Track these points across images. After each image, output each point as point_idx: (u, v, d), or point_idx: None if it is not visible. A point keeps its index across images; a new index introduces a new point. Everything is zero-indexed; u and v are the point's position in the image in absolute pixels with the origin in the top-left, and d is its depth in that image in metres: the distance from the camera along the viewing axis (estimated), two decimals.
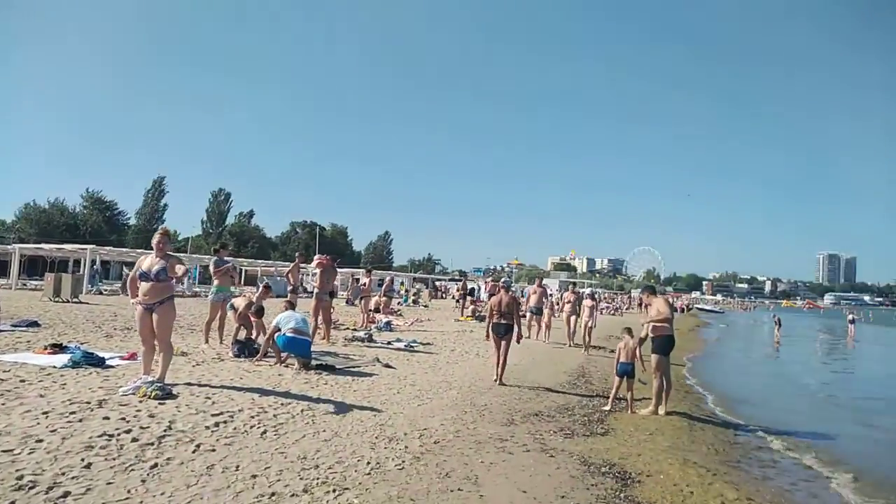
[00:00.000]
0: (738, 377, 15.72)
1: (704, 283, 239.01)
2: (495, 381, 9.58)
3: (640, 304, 50.42)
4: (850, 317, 40.45)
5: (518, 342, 10.00)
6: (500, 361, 9.73)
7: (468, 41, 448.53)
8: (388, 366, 10.05)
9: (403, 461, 5.16)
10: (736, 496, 5.09)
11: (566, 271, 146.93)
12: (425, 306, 28.59)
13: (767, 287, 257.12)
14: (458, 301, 24.84)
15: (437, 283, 45.70)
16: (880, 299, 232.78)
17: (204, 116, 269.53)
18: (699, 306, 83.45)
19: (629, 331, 8.90)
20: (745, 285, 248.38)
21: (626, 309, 47.20)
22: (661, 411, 8.43)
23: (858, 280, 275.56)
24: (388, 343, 12.87)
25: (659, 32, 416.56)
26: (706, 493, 5.12)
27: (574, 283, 18.26)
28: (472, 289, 26.78)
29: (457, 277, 29.69)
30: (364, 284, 17.45)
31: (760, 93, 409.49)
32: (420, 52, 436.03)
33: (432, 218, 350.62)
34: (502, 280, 12.29)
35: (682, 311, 61.92)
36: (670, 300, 8.94)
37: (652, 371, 8.40)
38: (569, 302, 15.89)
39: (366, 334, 13.18)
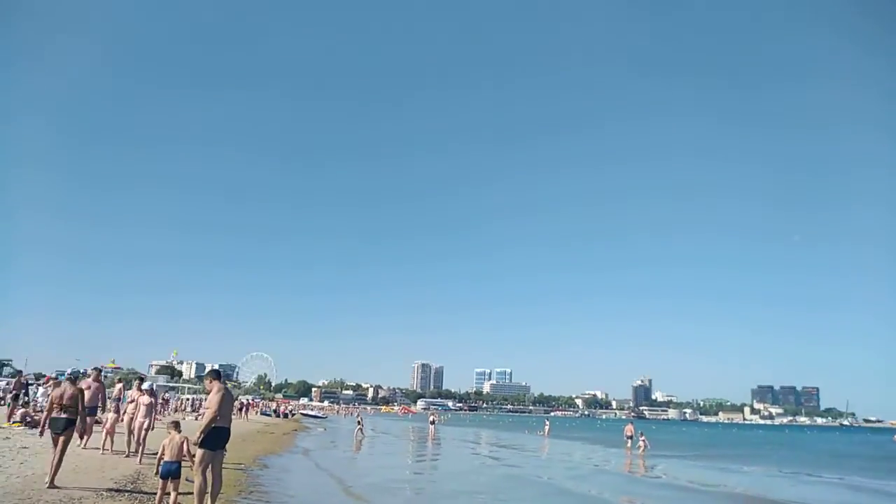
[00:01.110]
0: (303, 475, 15.62)
1: (314, 389, 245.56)
2: (46, 484, 8.41)
3: (241, 409, 48.89)
4: (431, 418, 47.15)
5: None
6: (55, 461, 8.61)
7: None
8: None
9: None
10: None
11: (168, 374, 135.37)
12: None
13: (371, 393, 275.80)
14: (9, 404, 20.29)
15: None
16: (460, 404, 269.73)
17: None
18: (303, 412, 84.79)
19: (176, 425, 8.09)
20: (351, 392, 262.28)
21: None
22: None
23: (445, 387, 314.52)
24: None
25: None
26: None
27: (142, 380, 15.72)
28: (27, 385, 22.25)
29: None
30: None
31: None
32: None
33: None
34: (69, 371, 10.30)
35: (286, 416, 62.07)
36: (232, 396, 8.13)
37: (196, 467, 7.60)
38: (132, 401, 13.78)
39: None
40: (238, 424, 34.79)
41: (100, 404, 13.95)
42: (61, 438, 8.77)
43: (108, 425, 14.25)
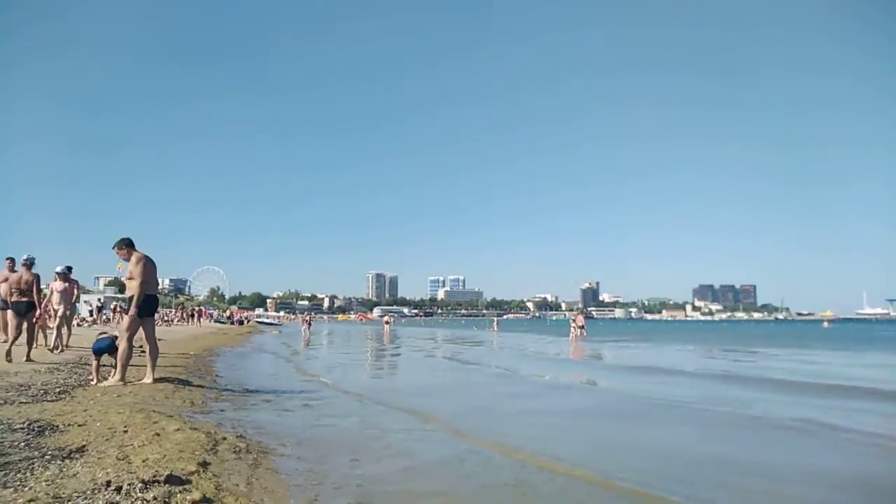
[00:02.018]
0: (252, 360, 15.68)
1: (269, 300, 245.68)
2: (7, 359, 8.94)
3: (192, 315, 48.67)
4: (386, 319, 48.80)
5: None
6: (14, 337, 9.52)
7: None
8: None
9: None
10: (178, 427, 4.54)
11: (117, 287, 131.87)
12: None
13: (326, 303, 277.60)
14: None
15: None
16: (416, 311, 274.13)
17: None
18: (259, 320, 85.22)
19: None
20: (307, 302, 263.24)
21: (177, 322, 44.84)
22: (148, 379, 7.48)
23: (400, 295, 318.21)
24: None
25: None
26: (144, 430, 4.46)
27: (65, 273, 13.70)
28: None
29: None
30: None
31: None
32: None
33: None
34: (25, 256, 9.90)
35: (241, 323, 62.07)
36: (154, 261, 7.57)
37: (122, 333, 7.35)
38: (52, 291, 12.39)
39: None
40: (190, 328, 34.90)
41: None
42: (24, 320, 9.63)
43: (38, 318, 13.71)
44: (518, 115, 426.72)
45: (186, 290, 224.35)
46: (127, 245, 7.51)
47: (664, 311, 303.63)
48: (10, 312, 10.35)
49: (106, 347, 7.45)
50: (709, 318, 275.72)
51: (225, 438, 4.45)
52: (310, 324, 38.27)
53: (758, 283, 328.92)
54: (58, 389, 6.62)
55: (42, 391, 6.43)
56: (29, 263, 9.84)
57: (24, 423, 4.63)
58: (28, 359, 9.36)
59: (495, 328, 49.64)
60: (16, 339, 9.49)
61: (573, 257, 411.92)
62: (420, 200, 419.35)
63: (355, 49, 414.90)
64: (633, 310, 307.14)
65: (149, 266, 7.38)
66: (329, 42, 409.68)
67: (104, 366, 7.67)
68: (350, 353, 21.61)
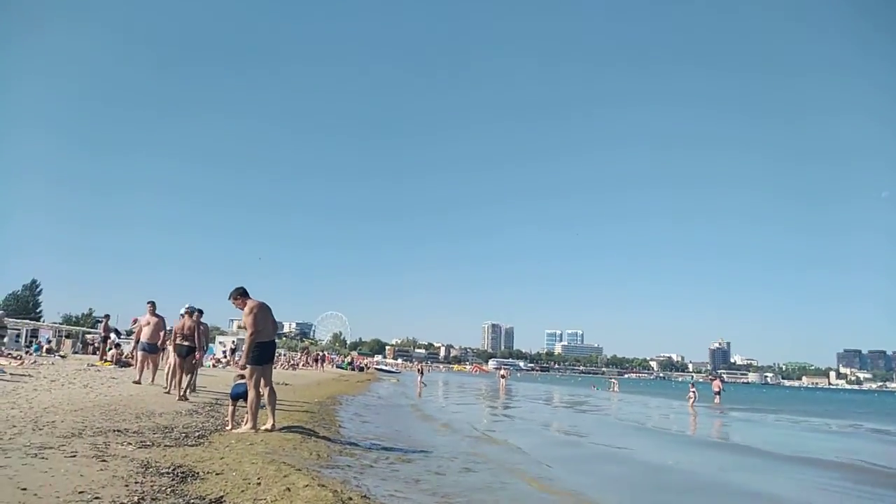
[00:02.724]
0: (376, 407, 16.05)
1: (387, 347, 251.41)
2: (177, 396, 10.46)
3: (316, 360, 50.63)
4: (502, 373, 48.65)
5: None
6: (181, 378, 10.75)
7: None
8: None
9: None
10: (307, 483, 4.65)
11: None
12: (62, 356, 24.41)
13: (442, 352, 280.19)
14: (99, 346, 21.52)
15: (88, 336, 39.78)
16: (532, 364, 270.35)
17: None
18: (378, 366, 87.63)
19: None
20: (423, 351, 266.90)
21: (302, 365, 46.77)
22: (269, 424, 7.74)
23: (515, 348, 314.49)
24: None
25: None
26: (276, 483, 4.61)
27: (194, 312, 14.16)
28: (116, 329, 23.46)
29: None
30: None
31: None
32: None
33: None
34: (186, 306, 11.11)
35: (361, 370, 63.90)
36: (268, 307, 7.69)
37: (247, 382, 7.64)
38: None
39: None
40: (313, 374, 36.32)
41: (159, 342, 12.86)
42: (185, 361, 10.92)
43: (170, 361, 14.63)
44: (640, 173, 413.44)
45: (311, 333, 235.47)
46: (241, 294, 7.63)
47: (804, 378, 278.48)
48: (149, 354, 12.34)
49: (242, 393, 7.84)
50: (856, 386, 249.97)
51: (351, 499, 4.49)
52: (423, 373, 38.90)
53: None
54: (197, 433, 7.04)
55: (183, 434, 6.87)
56: (189, 312, 11.13)
57: (169, 467, 4.95)
58: (183, 397, 10.56)
59: (615, 389, 47.77)
60: (181, 379, 10.75)
61: (702, 315, 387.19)
62: (540, 249, 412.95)
63: (495, 88, 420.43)
64: (769, 374, 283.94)
65: (259, 315, 7.44)
66: (464, 78, 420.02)
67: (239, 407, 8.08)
68: (464, 404, 21.52)
